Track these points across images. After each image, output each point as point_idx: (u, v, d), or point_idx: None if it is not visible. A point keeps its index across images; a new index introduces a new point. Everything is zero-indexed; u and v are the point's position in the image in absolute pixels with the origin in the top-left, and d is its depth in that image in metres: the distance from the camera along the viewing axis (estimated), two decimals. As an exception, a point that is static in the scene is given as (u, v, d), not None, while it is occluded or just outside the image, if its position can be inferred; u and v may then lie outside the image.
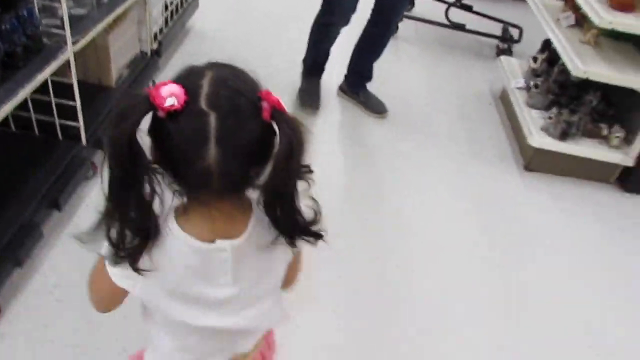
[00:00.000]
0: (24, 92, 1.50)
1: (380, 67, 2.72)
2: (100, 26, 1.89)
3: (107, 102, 2.13)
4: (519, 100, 2.68)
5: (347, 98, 2.78)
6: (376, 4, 2.51)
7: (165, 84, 0.67)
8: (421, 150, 2.58)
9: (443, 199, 2.34)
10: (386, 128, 2.69)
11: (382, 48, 2.64)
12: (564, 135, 2.42)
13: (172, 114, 0.66)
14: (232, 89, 0.69)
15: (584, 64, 2.21)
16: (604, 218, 2.37)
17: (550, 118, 2.43)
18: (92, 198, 1.97)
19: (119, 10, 2.03)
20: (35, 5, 1.58)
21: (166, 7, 2.68)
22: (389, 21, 2.57)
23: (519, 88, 2.74)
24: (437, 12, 3.53)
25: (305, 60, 2.69)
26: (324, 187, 0.80)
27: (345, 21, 2.45)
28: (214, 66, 0.72)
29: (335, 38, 2.55)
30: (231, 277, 0.79)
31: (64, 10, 1.64)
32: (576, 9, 2.46)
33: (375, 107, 2.73)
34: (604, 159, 2.43)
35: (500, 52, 3.39)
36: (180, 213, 0.76)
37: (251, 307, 0.86)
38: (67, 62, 1.72)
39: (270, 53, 3.00)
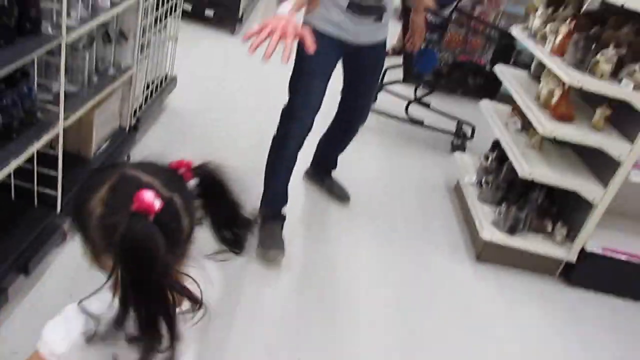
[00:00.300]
0: (15, 163, 1.57)
1: (345, 152, 2.89)
2: (90, 104, 2.01)
3: (84, 172, 2.20)
4: (471, 195, 2.90)
5: (312, 183, 2.92)
6: (342, 104, 2.61)
7: (140, 193, 0.76)
8: (378, 237, 2.72)
9: (395, 284, 2.45)
10: (345, 213, 2.83)
11: (348, 143, 2.77)
12: (512, 230, 2.62)
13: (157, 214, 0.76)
14: (165, 170, 0.85)
15: (530, 166, 2.46)
16: (547, 309, 2.53)
17: (499, 214, 2.64)
18: (59, 264, 2.00)
19: (108, 89, 2.16)
20: (35, 82, 1.69)
21: (147, 86, 2.84)
22: (355, 120, 2.68)
23: (471, 184, 2.97)
24: (398, 107, 3.83)
25: (262, 206, 2.33)
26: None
27: (303, 134, 2.31)
28: (141, 164, 0.86)
29: (291, 164, 2.36)
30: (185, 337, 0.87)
31: (61, 88, 1.75)
32: (522, 115, 2.75)
33: (340, 195, 2.88)
34: (549, 254, 2.63)
35: (455, 147, 3.68)
36: None
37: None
38: (57, 136, 1.81)
39: (237, 135, 3.16)
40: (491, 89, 3.55)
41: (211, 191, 0.88)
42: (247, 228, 0.96)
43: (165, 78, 3.13)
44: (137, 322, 0.78)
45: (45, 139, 1.72)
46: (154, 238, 0.75)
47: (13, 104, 1.59)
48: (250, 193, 1.01)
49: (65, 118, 1.84)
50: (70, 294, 1.92)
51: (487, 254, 2.70)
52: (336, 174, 2.94)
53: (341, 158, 2.89)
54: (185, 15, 4.45)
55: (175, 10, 3.01)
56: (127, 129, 2.61)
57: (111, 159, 2.41)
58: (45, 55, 1.74)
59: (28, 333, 1.67)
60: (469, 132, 3.80)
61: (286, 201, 2.45)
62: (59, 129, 1.80)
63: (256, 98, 3.69)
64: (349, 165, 3.12)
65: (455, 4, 3.83)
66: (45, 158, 1.91)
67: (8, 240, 1.80)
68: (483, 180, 2.89)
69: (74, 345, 0.83)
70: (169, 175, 0.83)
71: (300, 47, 2.17)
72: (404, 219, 2.93)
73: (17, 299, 1.81)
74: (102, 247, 0.82)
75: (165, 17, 2.87)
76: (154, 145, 2.86)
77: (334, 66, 2.30)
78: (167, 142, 2.94)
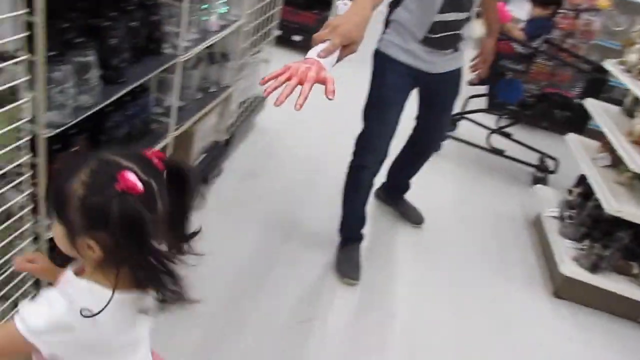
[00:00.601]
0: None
1: (418, 177, 2.93)
2: (195, 117, 2.20)
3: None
4: (552, 228, 2.85)
5: (383, 204, 2.95)
6: (416, 130, 2.60)
7: (123, 173, 0.83)
8: (451, 263, 2.73)
9: (466, 313, 2.44)
10: (419, 237, 2.86)
11: (419, 168, 2.75)
12: (594, 268, 2.55)
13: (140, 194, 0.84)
14: (142, 158, 0.89)
15: (619, 203, 2.40)
16: (627, 355, 2.43)
17: (582, 249, 2.59)
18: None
19: (210, 106, 2.35)
20: (151, 98, 1.89)
21: (240, 105, 3.03)
22: (428, 147, 2.66)
23: (553, 217, 2.92)
24: (479, 135, 3.82)
25: (341, 230, 2.51)
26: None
27: (379, 163, 2.37)
28: (117, 152, 0.90)
29: (368, 190, 2.43)
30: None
31: (174, 103, 1.94)
32: (612, 151, 2.69)
33: (413, 217, 2.90)
34: (633, 297, 2.53)
35: (536, 180, 3.61)
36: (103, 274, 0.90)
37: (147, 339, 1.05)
38: (166, 145, 2.00)
39: (318, 154, 3.29)
40: (578, 123, 3.47)
41: (176, 186, 0.92)
42: (192, 235, 1.00)
43: (257, 98, 3.32)
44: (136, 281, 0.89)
45: (159, 146, 1.91)
46: (143, 214, 0.82)
47: (135, 114, 1.78)
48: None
49: (175, 129, 2.02)
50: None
51: (565, 290, 2.64)
52: (410, 196, 2.98)
53: (417, 182, 2.93)
54: (277, 39, 4.70)
55: (269, 36, 3.21)
56: (222, 143, 2.79)
57: (207, 170, 2.60)
58: (161, 72, 1.94)
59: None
60: (551, 165, 3.73)
61: (364, 223, 2.53)
62: (169, 139, 1.99)
63: (338, 121, 3.80)
64: (424, 190, 3.15)
65: (545, 35, 3.80)
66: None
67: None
68: (566, 215, 2.84)
69: (53, 325, 0.86)
70: (145, 162, 0.88)
71: (375, 76, 2.25)
72: (478, 247, 2.92)
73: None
74: (82, 227, 0.85)
75: (260, 42, 3.07)
76: (242, 160, 3.04)
77: (409, 95, 2.30)
78: (254, 158, 3.12)
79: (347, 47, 1.33)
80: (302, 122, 3.68)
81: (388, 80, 2.20)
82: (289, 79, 1.21)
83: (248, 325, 2.07)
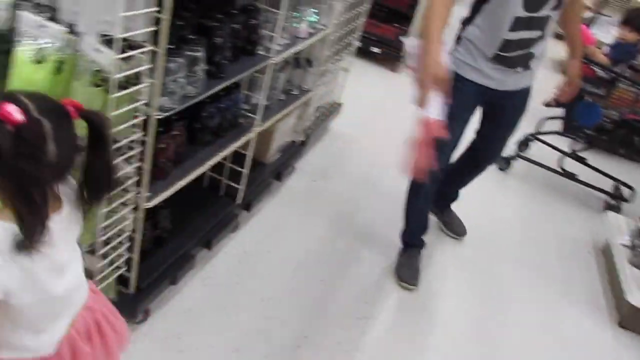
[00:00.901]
0: (219, 156, 1.95)
1: (483, 191, 2.92)
2: (279, 115, 2.37)
3: (260, 175, 2.57)
4: (621, 256, 2.79)
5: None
6: (475, 144, 2.57)
7: (3, 104, 0.86)
8: (510, 279, 2.73)
9: (524, 332, 2.44)
10: (478, 250, 2.89)
11: (472, 180, 2.73)
12: (664, 299, 2.50)
13: (19, 126, 0.86)
14: (49, 101, 0.94)
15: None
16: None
17: (651, 279, 2.53)
18: (231, 247, 2.36)
19: (291, 107, 2.52)
20: (242, 95, 2.07)
21: (317, 109, 3.19)
22: (485, 161, 2.63)
23: (623, 245, 2.86)
24: (551, 157, 3.78)
25: (403, 235, 2.59)
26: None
27: (445, 165, 2.38)
28: (32, 92, 0.94)
29: (428, 198, 2.51)
30: (64, 241, 1.04)
31: (261, 101, 2.12)
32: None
33: (456, 228, 2.90)
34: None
35: (608, 207, 3.53)
36: None
37: (76, 264, 1.13)
38: (249, 139, 2.18)
39: (387, 161, 3.33)
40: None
41: (93, 139, 0.97)
42: (111, 187, 1.08)
43: (333, 104, 3.47)
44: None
45: (244, 140, 2.09)
46: (13, 143, 0.85)
47: (227, 108, 1.97)
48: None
49: (260, 125, 2.20)
50: (237, 271, 2.27)
51: (631, 320, 2.59)
52: (473, 209, 3.00)
53: (482, 197, 2.94)
54: (357, 50, 4.85)
55: (350, 46, 3.35)
56: (298, 143, 2.96)
57: (282, 167, 2.77)
58: (253, 72, 2.12)
59: (202, 295, 2.05)
60: (626, 194, 3.63)
61: (426, 230, 2.60)
62: (253, 133, 2.16)
63: (408, 131, 3.89)
64: (488, 205, 3.19)
65: (630, 61, 3.72)
66: (236, 157, 2.30)
67: (197, 221, 2.18)
68: (637, 244, 2.78)
69: None
70: (52, 106, 0.92)
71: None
72: (540, 267, 2.90)
73: (199, 268, 2.18)
74: None
75: (342, 51, 3.22)
76: (315, 161, 3.19)
77: (475, 111, 2.31)
78: (326, 160, 3.26)
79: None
80: (374, 130, 3.80)
81: (455, 97, 2.15)
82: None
83: (308, 314, 2.20)
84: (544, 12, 2.00)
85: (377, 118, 4.02)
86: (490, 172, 3.72)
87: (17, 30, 1.31)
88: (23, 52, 1.29)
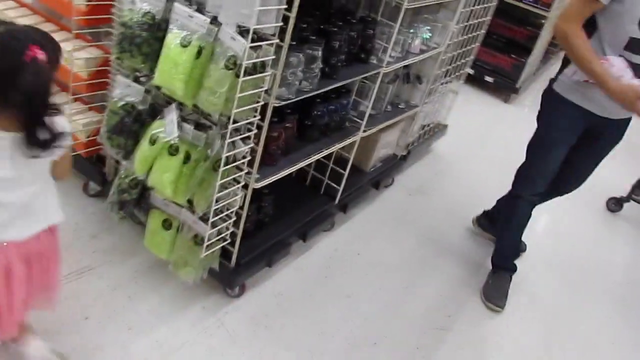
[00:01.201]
0: (324, 153, 2.11)
1: (589, 232, 2.77)
2: (382, 125, 2.49)
3: (359, 181, 2.69)
4: None
5: (483, 230, 2.89)
6: (561, 165, 2.37)
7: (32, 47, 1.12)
8: (606, 334, 2.59)
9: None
10: (570, 285, 2.80)
11: (545, 201, 2.62)
12: None
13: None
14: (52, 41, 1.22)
15: None
16: None
17: None
18: (324, 244, 2.49)
19: (396, 119, 2.63)
20: (351, 100, 2.22)
21: (423, 127, 3.27)
22: (566, 186, 2.52)
23: None
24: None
25: (494, 257, 2.60)
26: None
27: (535, 195, 2.39)
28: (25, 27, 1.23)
29: (522, 221, 2.47)
30: (9, 161, 1.19)
31: (368, 108, 2.26)
32: None
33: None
34: None
35: None
36: None
37: (29, 186, 1.27)
38: (353, 143, 2.31)
39: (486, 188, 3.28)
40: None
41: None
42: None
43: (439, 125, 3.53)
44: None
45: (347, 142, 2.23)
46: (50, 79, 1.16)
47: (336, 110, 2.12)
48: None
49: (363, 132, 2.33)
50: (328, 266, 2.39)
51: None
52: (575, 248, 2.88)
53: (586, 237, 2.79)
54: (469, 78, 4.88)
55: (461, 68, 3.40)
56: (399, 157, 3.05)
57: (381, 177, 2.88)
58: (364, 79, 2.27)
59: (294, 281, 2.20)
60: None
61: (518, 254, 2.59)
62: (357, 138, 2.30)
63: (511, 156, 3.83)
64: (594, 245, 3.04)
65: None
66: (338, 159, 2.44)
67: (297, 213, 2.34)
68: None
69: None
70: (49, 39, 1.20)
71: (546, 114, 2.27)
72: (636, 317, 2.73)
73: (293, 256, 2.34)
74: None
75: (453, 73, 3.28)
76: (415, 177, 3.26)
77: (577, 136, 2.25)
78: (425, 177, 3.31)
79: None
80: (477, 156, 3.80)
81: (559, 121, 2.21)
82: None
83: (390, 316, 2.27)
84: None
85: (482, 145, 4.01)
86: (600, 213, 3.57)
87: (170, 19, 1.56)
88: (173, 37, 1.53)
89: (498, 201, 2.77)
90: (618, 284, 2.93)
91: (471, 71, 4.80)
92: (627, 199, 3.60)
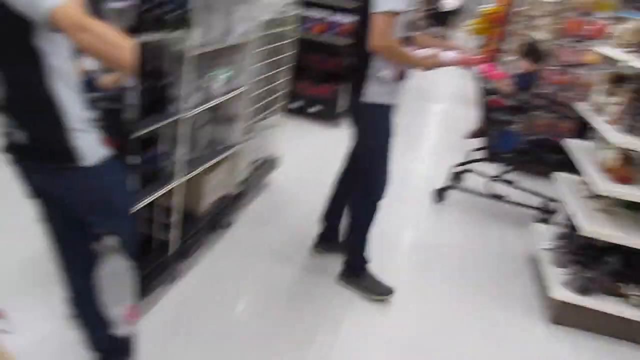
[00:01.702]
0: (143, 203, 2.13)
1: (420, 222, 3.11)
2: (202, 168, 2.58)
3: (194, 226, 2.73)
4: (545, 260, 2.99)
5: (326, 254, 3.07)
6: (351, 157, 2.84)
7: None
8: (452, 302, 2.88)
9: (467, 341, 2.58)
10: (418, 275, 3.07)
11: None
12: (584, 291, 2.67)
13: None
14: None
15: (591, 225, 2.57)
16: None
17: (569, 274, 2.72)
18: (168, 297, 2.48)
19: (216, 160, 2.73)
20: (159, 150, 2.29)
21: (253, 163, 3.41)
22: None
23: (546, 249, 3.06)
24: (481, 184, 4.05)
25: (360, 260, 2.80)
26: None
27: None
28: None
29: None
30: None
31: (180, 154, 2.33)
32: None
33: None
34: (624, 315, 2.61)
35: (540, 221, 3.76)
36: None
37: None
38: (179, 190, 2.37)
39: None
40: (571, 164, 3.65)
41: None
42: None
43: (269, 159, 3.71)
44: None
45: (165, 190, 2.28)
46: None
47: (148, 161, 2.17)
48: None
49: (181, 177, 2.40)
50: (174, 319, 2.38)
51: (561, 316, 2.75)
52: (413, 239, 3.17)
53: (423, 227, 3.11)
54: (298, 111, 5.25)
55: (276, 103, 3.64)
56: (232, 196, 3.15)
57: (218, 218, 2.94)
58: (172, 127, 2.34)
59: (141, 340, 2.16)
60: (553, 207, 3.88)
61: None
62: (174, 185, 2.36)
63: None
64: (429, 234, 3.37)
65: (530, 88, 4.11)
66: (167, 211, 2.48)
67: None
68: (557, 246, 2.99)
69: None
70: None
71: (376, 122, 2.55)
72: (479, 284, 3.07)
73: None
74: None
75: (268, 107, 3.50)
76: (254, 212, 3.38)
77: None
78: (265, 212, 3.44)
79: None
80: (312, 179, 4.03)
81: (387, 124, 2.54)
82: None
83: (256, 347, 2.31)
84: None
85: (317, 170, 4.25)
86: (427, 205, 3.97)
87: None
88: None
89: (328, 219, 2.98)
90: (456, 265, 3.27)
91: (295, 104, 5.18)
92: (446, 188, 4.06)
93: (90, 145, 1.50)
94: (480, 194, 4.02)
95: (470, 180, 4.14)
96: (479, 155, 4.05)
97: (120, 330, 1.69)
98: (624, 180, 2.55)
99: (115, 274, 1.61)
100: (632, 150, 2.51)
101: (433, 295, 2.91)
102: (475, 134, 4.72)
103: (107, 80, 1.79)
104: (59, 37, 1.34)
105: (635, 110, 2.50)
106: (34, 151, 1.48)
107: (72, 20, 1.21)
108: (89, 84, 1.94)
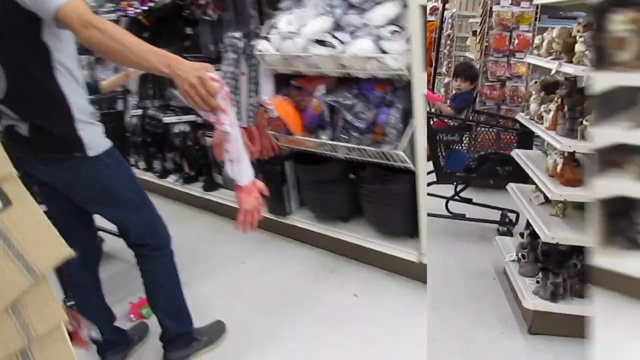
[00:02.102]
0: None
1: None
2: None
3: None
4: (513, 271, 3.01)
5: None
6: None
7: None
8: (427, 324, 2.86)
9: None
10: (395, 303, 3.02)
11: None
12: (554, 297, 2.68)
13: None
14: None
15: (551, 231, 2.61)
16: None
17: (538, 282, 2.74)
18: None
19: None
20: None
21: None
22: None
23: (512, 261, 3.09)
24: (440, 205, 4.10)
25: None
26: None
27: None
28: None
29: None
30: None
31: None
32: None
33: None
34: (596, 315, 2.63)
35: (502, 234, 3.81)
36: None
37: None
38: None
39: None
40: (521, 174, 3.74)
41: None
42: None
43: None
44: None
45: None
46: None
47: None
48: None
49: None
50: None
51: (537, 325, 2.75)
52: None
53: None
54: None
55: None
56: None
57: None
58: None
59: None
60: (512, 218, 3.95)
61: None
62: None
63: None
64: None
65: (470, 106, 4.23)
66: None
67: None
68: (521, 256, 3.02)
69: None
70: None
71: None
72: (453, 303, 3.06)
73: None
74: None
75: None
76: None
77: None
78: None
79: None
80: None
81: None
82: None
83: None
84: None
85: None
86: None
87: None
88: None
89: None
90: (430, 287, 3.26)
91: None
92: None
93: (95, 137, 1.60)
94: (441, 216, 4.06)
95: (429, 204, 4.17)
96: (431, 178, 4.11)
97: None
98: (574, 182, 2.62)
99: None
100: (576, 152, 2.59)
101: (408, 319, 2.86)
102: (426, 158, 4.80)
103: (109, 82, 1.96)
104: (66, 34, 1.42)
105: (571, 114, 2.58)
106: (40, 143, 1.55)
107: (79, 17, 1.30)
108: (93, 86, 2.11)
